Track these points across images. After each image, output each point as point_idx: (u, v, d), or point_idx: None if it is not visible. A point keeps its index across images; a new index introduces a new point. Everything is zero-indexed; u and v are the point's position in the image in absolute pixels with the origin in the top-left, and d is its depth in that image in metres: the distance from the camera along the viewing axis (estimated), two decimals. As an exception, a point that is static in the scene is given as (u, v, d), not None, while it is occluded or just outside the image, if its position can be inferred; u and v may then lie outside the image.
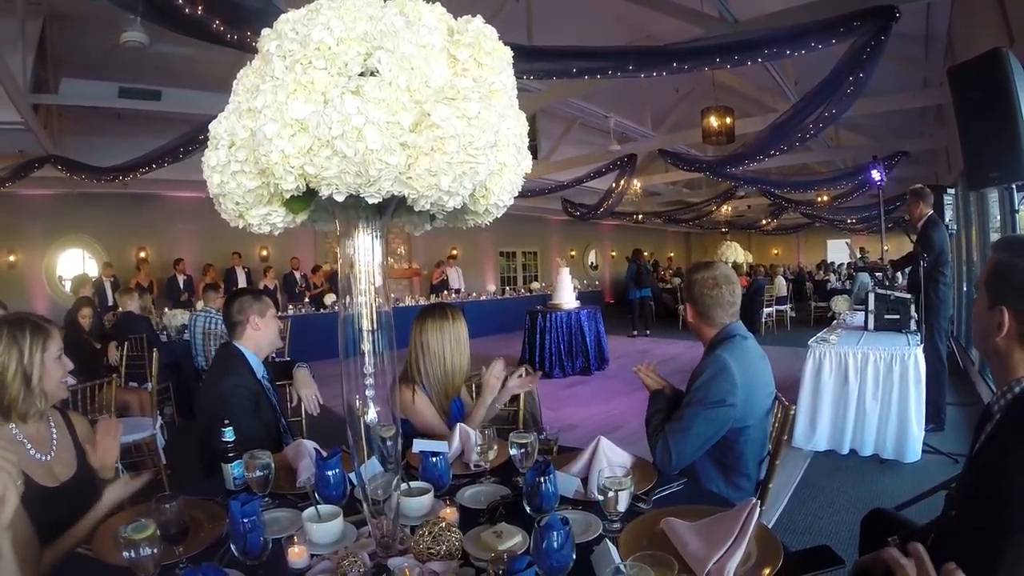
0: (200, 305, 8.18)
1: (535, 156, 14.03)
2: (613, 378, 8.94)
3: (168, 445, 5.04)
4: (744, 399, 2.33)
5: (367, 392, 1.50)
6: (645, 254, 15.51)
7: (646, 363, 2.78)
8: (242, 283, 12.73)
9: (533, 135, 14.04)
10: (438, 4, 1.27)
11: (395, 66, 1.09)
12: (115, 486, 1.99)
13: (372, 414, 1.51)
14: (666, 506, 1.87)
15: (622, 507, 1.71)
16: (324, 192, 1.12)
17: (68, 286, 11.88)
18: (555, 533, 1.42)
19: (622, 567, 1.17)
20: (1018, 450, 1.26)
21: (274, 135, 1.06)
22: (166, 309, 9.63)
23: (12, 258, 11.96)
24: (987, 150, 3.68)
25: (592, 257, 25.19)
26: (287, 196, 1.18)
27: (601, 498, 1.71)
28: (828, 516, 4.02)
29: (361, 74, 1.10)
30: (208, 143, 1.26)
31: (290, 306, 12.04)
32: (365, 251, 1.41)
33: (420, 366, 2.84)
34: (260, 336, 2.88)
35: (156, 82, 8.97)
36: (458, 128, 1.11)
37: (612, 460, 2.05)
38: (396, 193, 1.15)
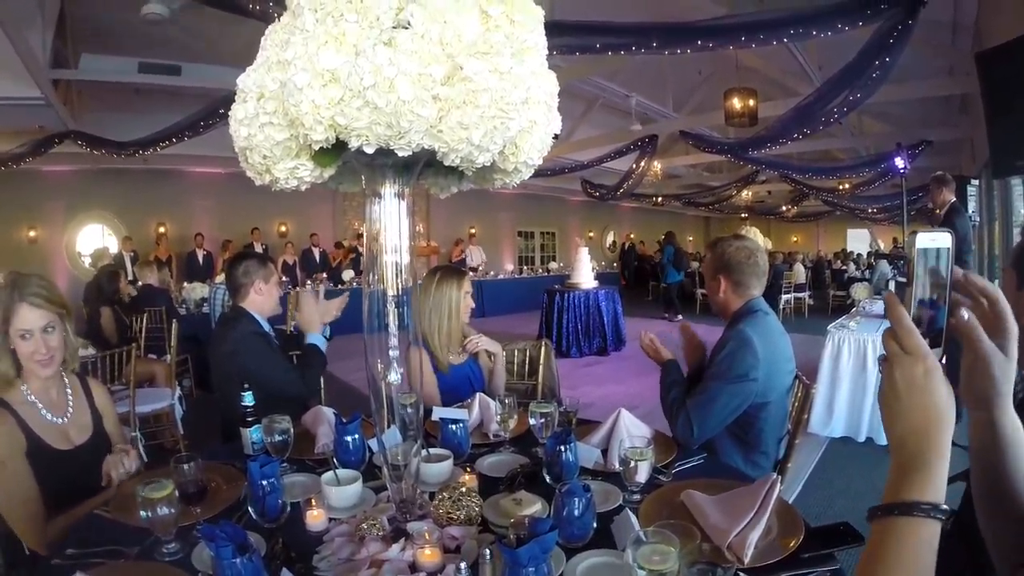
0: (220, 279, 8.23)
1: (555, 136, 14.02)
2: (630, 359, 8.90)
3: (186, 416, 5.11)
4: (766, 374, 2.31)
5: (390, 352, 1.49)
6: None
7: (647, 336, 2.75)
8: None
9: (554, 115, 14.01)
10: None
11: (428, 19, 1.07)
12: (110, 459, 1.97)
13: (394, 375, 1.51)
14: (686, 479, 1.86)
15: (642, 478, 1.70)
16: (354, 144, 1.11)
17: (87, 261, 12.01)
18: (576, 500, 1.42)
19: (643, 535, 1.16)
20: None
21: (304, 85, 1.05)
22: (185, 283, 9.71)
23: (33, 234, 12.14)
24: (1013, 137, 3.60)
25: (610, 239, 25.07)
26: (316, 148, 1.17)
27: (622, 468, 1.71)
28: (842, 502, 4.00)
29: (394, 27, 1.09)
30: (236, 97, 1.25)
31: (308, 282, 12.04)
32: (391, 211, 1.40)
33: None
34: (263, 300, 2.90)
35: (175, 57, 8.97)
36: (491, 82, 1.10)
37: (633, 432, 2.04)
38: (426, 146, 1.13)
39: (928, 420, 0.78)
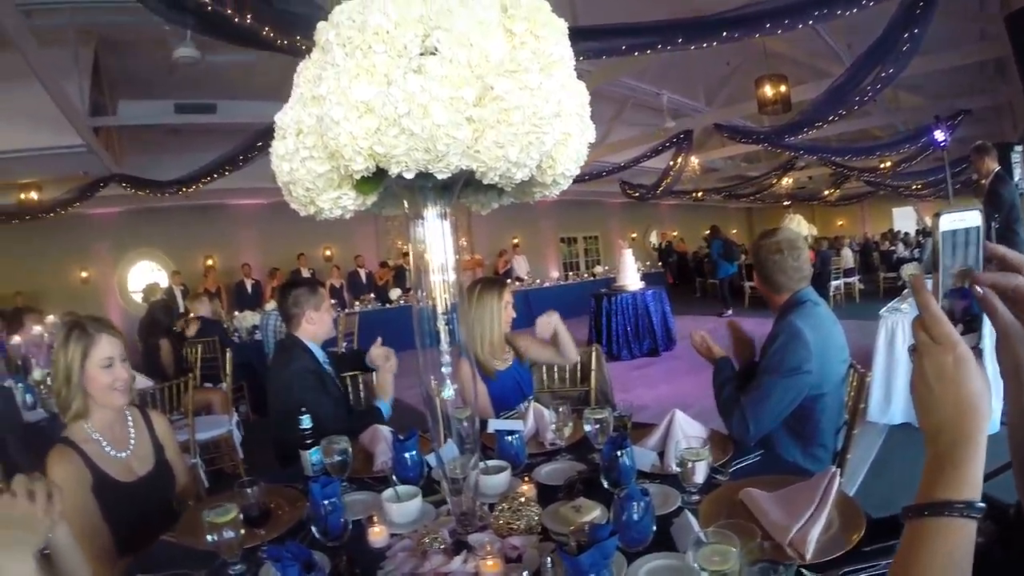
0: (270, 306, 8.41)
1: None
2: (681, 358, 8.80)
3: (243, 440, 5.23)
4: (819, 366, 2.28)
5: (443, 369, 1.52)
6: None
7: (698, 334, 2.74)
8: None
9: (586, 118, 13.97)
10: None
11: (454, 43, 1.10)
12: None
13: (449, 391, 1.53)
14: (744, 478, 1.85)
15: (700, 478, 1.70)
16: (394, 170, 1.14)
17: (139, 297, 12.39)
18: (635, 504, 1.42)
19: (703, 536, 1.16)
20: None
21: (341, 118, 1.08)
22: (236, 312, 9.95)
23: (84, 274, 12.60)
24: None
25: (653, 238, 24.89)
26: (357, 177, 1.21)
27: (679, 469, 1.71)
28: (905, 491, 3.88)
29: (421, 55, 1.12)
30: (275, 134, 1.30)
31: (356, 303, 12.16)
32: (435, 231, 1.44)
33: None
34: (315, 329, 2.96)
35: (210, 95, 9.28)
36: (522, 99, 1.12)
37: (688, 432, 2.03)
38: (464, 167, 1.16)
39: (960, 412, 0.76)
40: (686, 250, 22.99)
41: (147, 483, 2.14)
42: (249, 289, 12.73)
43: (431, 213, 1.40)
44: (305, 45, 4.57)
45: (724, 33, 5.65)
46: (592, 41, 5.55)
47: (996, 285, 0.79)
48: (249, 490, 1.71)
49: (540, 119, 1.15)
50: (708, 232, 14.14)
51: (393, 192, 1.48)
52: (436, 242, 1.45)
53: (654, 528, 1.47)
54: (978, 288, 0.79)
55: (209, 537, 1.48)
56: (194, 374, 5.73)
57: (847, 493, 1.69)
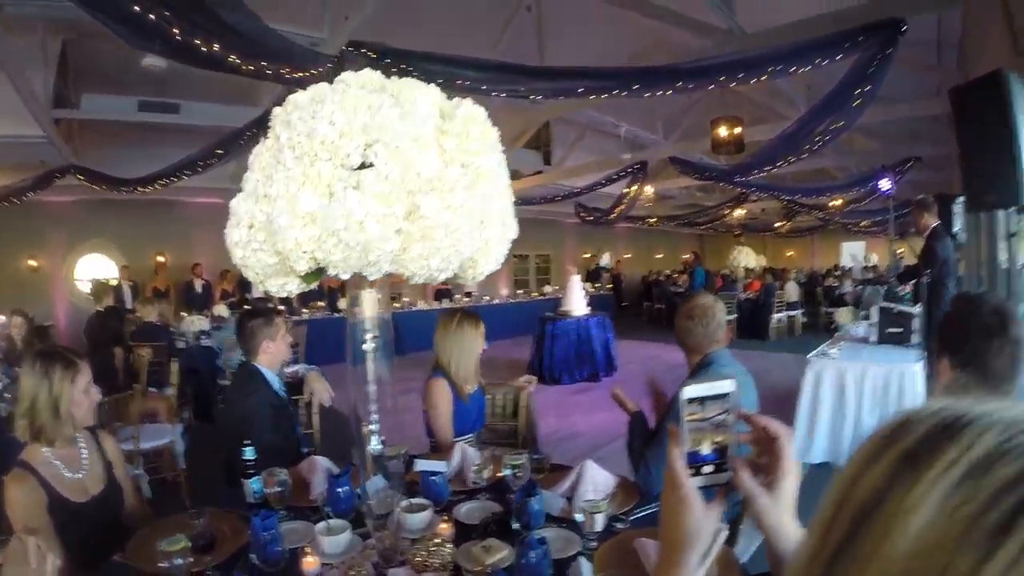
0: (218, 309, 8.39)
1: (548, 162, 14.22)
2: (620, 384, 8.94)
3: (187, 449, 5.25)
4: None
5: (371, 427, 1.69)
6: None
7: (614, 389, 3.00)
8: (258, 290, 12.85)
9: (547, 142, 14.21)
10: (432, 87, 1.44)
11: (390, 159, 1.27)
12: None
13: (376, 444, 1.70)
14: (644, 526, 2.05)
15: (598, 527, 1.88)
16: (332, 272, 1.32)
17: (86, 288, 12.16)
18: (532, 552, 1.61)
19: None
20: None
21: (287, 226, 1.25)
22: (184, 315, 9.86)
23: (34, 263, 12.31)
24: (985, 172, 3.66)
25: (606, 260, 25.15)
26: (301, 273, 1.38)
27: (581, 518, 1.90)
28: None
29: (362, 164, 1.29)
30: (230, 220, 1.45)
31: (304, 310, 12.09)
32: (369, 298, 1.60)
33: (442, 362, 3.29)
34: (271, 357, 3.13)
35: (175, 95, 9.28)
36: (444, 218, 1.30)
37: (596, 482, 2.23)
38: (393, 271, 1.34)
39: (676, 540, 0.90)
40: (620, 272, 23.22)
41: (99, 503, 2.25)
42: (199, 290, 12.56)
43: (367, 291, 1.56)
44: (270, 70, 4.68)
45: (679, 83, 5.88)
46: (551, 82, 5.74)
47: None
48: (198, 520, 1.88)
49: (461, 234, 1.32)
50: (690, 257, 14.13)
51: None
52: (370, 305, 1.61)
53: (551, 572, 1.66)
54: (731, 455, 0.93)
55: (161, 564, 1.64)
56: (141, 382, 5.75)
57: (729, 548, 1.90)
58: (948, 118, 10.40)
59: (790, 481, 0.94)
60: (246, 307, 8.60)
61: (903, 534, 0.40)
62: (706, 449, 0.93)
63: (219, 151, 7.85)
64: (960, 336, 1.42)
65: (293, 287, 1.47)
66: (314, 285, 1.51)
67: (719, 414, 0.92)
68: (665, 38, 8.26)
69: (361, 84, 1.40)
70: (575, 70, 5.70)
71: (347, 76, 1.42)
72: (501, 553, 1.82)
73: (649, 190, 14.07)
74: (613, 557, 1.82)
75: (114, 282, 11.79)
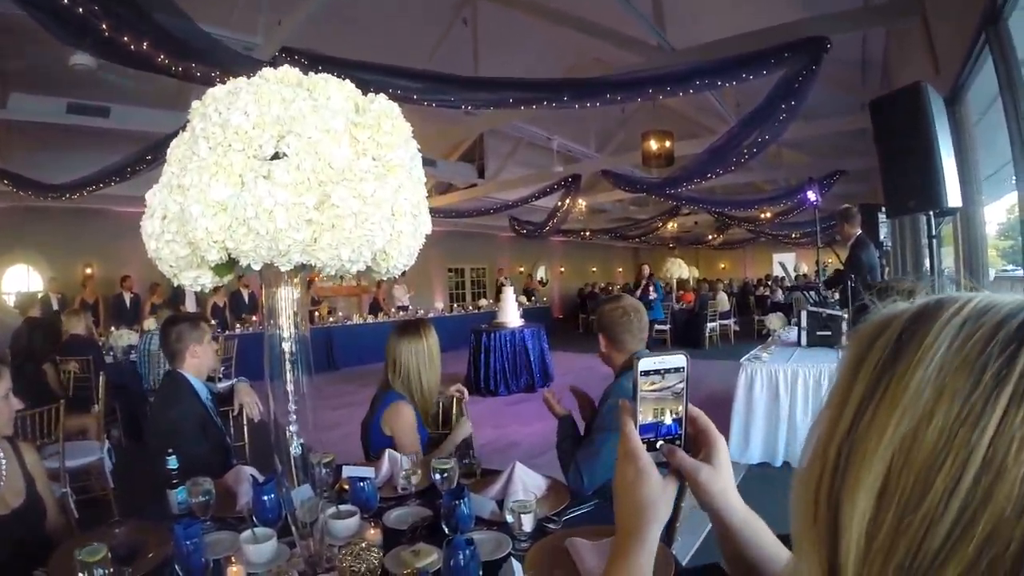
0: (150, 325, 8.07)
1: (482, 175, 14.27)
2: (557, 394, 9.03)
3: (116, 467, 5.07)
4: None
5: (291, 428, 1.64)
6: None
7: (550, 391, 2.99)
8: (190, 302, 12.52)
9: (481, 154, 14.20)
10: (347, 82, 1.44)
11: (302, 150, 1.26)
12: None
13: (296, 447, 1.66)
14: (576, 526, 2.05)
15: (528, 528, 1.88)
16: (243, 262, 1.29)
17: (12, 300, 11.61)
18: (460, 553, 1.59)
19: None
20: None
21: (199, 215, 1.22)
22: (112, 329, 9.51)
23: (-45, 273, 11.67)
24: (905, 179, 3.81)
25: (541, 273, 25.35)
26: (212, 265, 1.34)
27: (511, 519, 1.88)
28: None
29: (275, 155, 1.27)
30: (145, 212, 1.41)
31: (237, 325, 11.87)
32: (286, 295, 1.56)
33: (400, 382, 3.02)
34: (199, 362, 3.00)
35: (105, 98, 8.92)
36: (354, 207, 1.28)
37: (527, 483, 2.23)
38: (304, 262, 1.31)
39: (633, 515, 0.92)
40: (534, 286, 23.29)
41: (19, 516, 2.14)
42: (128, 303, 12.17)
43: (283, 287, 1.53)
44: (200, 72, 4.59)
45: (608, 95, 5.99)
46: (483, 92, 5.77)
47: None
48: (118, 530, 1.78)
49: (372, 224, 1.31)
50: (645, 268, 13.95)
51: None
52: (287, 304, 1.57)
53: (480, 573, 1.64)
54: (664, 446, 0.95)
55: (80, 575, 1.55)
56: (67, 398, 5.52)
57: (664, 544, 1.91)
58: (872, 132, 10.95)
59: (723, 449, 0.96)
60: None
61: (926, 368, 0.47)
62: (665, 420, 0.94)
63: (148, 157, 7.63)
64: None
65: (207, 280, 1.43)
66: (227, 279, 1.47)
67: (672, 387, 0.93)
68: (599, 55, 8.41)
69: (279, 79, 1.39)
70: (507, 81, 5.75)
71: (266, 71, 1.41)
72: (430, 557, 1.79)
73: (582, 203, 14.23)
74: (544, 557, 1.81)
75: (41, 294, 11.29)
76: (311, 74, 1.40)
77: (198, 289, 1.46)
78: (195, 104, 1.41)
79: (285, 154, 1.26)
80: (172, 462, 2.24)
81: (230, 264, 1.35)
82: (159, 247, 1.36)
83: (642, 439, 0.93)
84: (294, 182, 1.24)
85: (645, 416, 0.93)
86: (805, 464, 0.55)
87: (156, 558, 1.88)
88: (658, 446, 0.94)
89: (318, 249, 1.27)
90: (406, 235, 1.46)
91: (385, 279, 1.63)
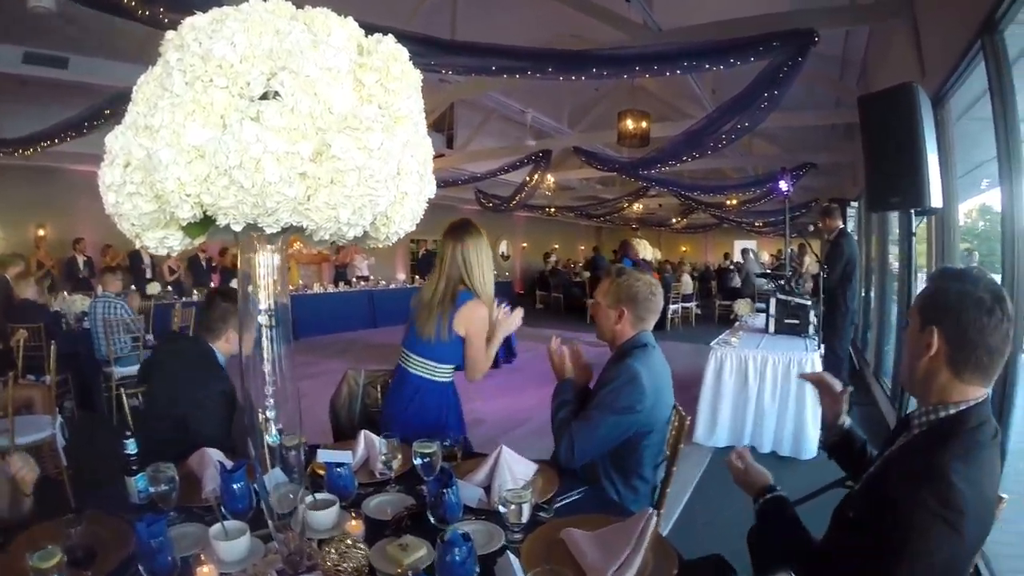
0: (100, 290, 7.67)
1: (450, 146, 14.00)
2: (521, 371, 8.83)
3: (70, 442, 4.76)
4: (651, 406, 2.41)
5: (268, 413, 1.47)
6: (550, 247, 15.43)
7: (567, 343, 2.81)
8: (147, 266, 12.13)
9: (451, 124, 13.97)
10: (350, 19, 1.24)
11: (298, 89, 1.07)
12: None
13: (274, 433, 1.49)
14: (567, 514, 1.94)
15: (523, 519, 1.75)
16: (221, 221, 1.10)
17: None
18: (457, 549, 1.45)
19: None
20: (923, 478, 1.33)
21: (170, 161, 1.03)
22: (65, 294, 9.09)
23: None
24: (890, 176, 3.81)
25: (504, 248, 25.25)
26: (184, 223, 1.15)
27: (503, 510, 1.75)
28: (728, 508, 4.20)
29: (264, 95, 1.08)
30: (104, 158, 1.21)
31: (195, 291, 11.45)
32: (265, 262, 1.37)
33: (471, 280, 2.89)
34: (230, 348, 2.86)
35: (64, 48, 8.42)
36: (358, 160, 1.11)
37: (515, 470, 2.10)
38: (295, 224, 1.13)
39: None
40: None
41: None
42: (81, 266, 11.66)
43: (262, 253, 1.34)
44: (168, 19, 4.28)
45: (594, 69, 5.82)
46: (465, 57, 5.55)
47: None
48: (73, 530, 1.58)
49: (376, 181, 1.14)
50: (618, 248, 13.63)
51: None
52: (266, 270, 1.38)
53: (477, 570, 1.51)
54: None
55: None
56: (15, 365, 5.21)
57: (662, 533, 1.81)
58: (845, 129, 11.21)
59: None
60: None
61: None
62: None
63: (107, 111, 7.22)
64: (957, 310, 1.44)
65: (175, 243, 1.23)
66: (199, 240, 1.27)
67: None
68: (581, 31, 8.23)
69: (270, 10, 1.17)
70: (492, 47, 5.54)
71: (254, 2, 1.18)
72: (420, 552, 1.66)
73: (550, 179, 14.09)
74: (541, 550, 1.70)
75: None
76: (307, 7, 1.20)
77: (165, 252, 1.26)
78: (169, 35, 1.19)
79: (277, 94, 1.07)
80: (131, 446, 2.05)
81: (205, 223, 1.16)
82: (120, 201, 1.15)
83: None
84: (288, 127, 1.05)
85: None
86: None
87: (117, 558, 1.69)
88: None
89: (312, 208, 1.08)
90: (411, 197, 1.28)
91: (382, 245, 1.43)
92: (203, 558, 1.56)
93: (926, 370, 1.50)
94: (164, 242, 1.22)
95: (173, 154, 1.03)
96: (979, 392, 1.45)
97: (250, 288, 1.39)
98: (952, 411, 1.45)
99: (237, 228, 1.13)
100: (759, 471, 1.92)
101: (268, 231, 1.13)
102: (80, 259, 11.72)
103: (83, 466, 4.55)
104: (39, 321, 6.21)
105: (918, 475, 1.34)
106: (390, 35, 1.26)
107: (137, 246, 1.27)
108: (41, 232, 12.20)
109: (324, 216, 1.11)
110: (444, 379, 2.99)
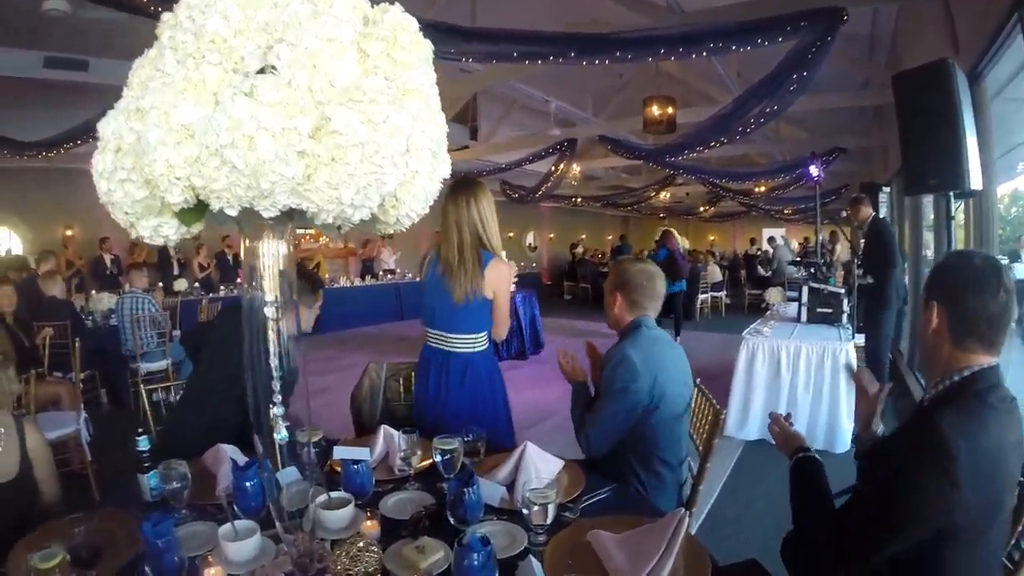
0: (127, 287, 7.71)
1: (474, 137, 13.92)
2: (548, 363, 8.77)
3: (96, 437, 4.78)
4: (650, 382, 2.40)
5: (274, 411, 1.39)
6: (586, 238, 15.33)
7: (566, 355, 2.80)
8: (175, 260, 12.23)
9: (473, 116, 13.83)
10: None
11: (296, 62, 0.98)
12: None
13: (283, 431, 1.42)
14: (594, 515, 1.85)
15: (547, 520, 1.66)
16: (214, 205, 1.02)
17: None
18: (475, 554, 1.38)
19: None
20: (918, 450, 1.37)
21: (158, 142, 0.95)
22: (93, 292, 9.19)
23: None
24: (927, 157, 3.72)
25: (530, 238, 25.11)
26: (176, 209, 1.08)
27: (527, 511, 1.67)
28: (761, 504, 4.11)
29: (261, 70, 1.00)
30: (97, 145, 1.14)
31: (221, 287, 11.53)
32: (270, 251, 1.29)
33: (488, 236, 2.87)
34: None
35: (83, 51, 8.50)
36: (361, 135, 1.02)
37: (539, 468, 2.01)
38: (294, 206, 1.05)
39: None
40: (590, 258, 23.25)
41: (5, 491, 2.07)
42: (108, 265, 11.71)
43: (265, 242, 1.26)
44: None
45: (618, 53, 5.68)
46: (485, 44, 5.44)
47: None
48: (78, 529, 1.54)
49: (382, 158, 1.05)
50: (658, 238, 12.83)
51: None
52: (271, 260, 1.30)
53: (496, 574, 1.43)
54: None
55: None
56: (41, 363, 5.26)
57: (693, 534, 1.71)
58: (874, 111, 10.86)
59: None
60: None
61: None
62: None
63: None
64: (953, 283, 1.51)
65: (170, 231, 1.15)
66: (196, 228, 1.19)
67: None
68: (603, 15, 8.08)
69: None
70: (512, 32, 5.43)
71: None
72: (437, 555, 1.57)
73: (576, 169, 13.95)
74: (565, 555, 1.61)
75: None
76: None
77: (160, 242, 1.19)
78: (165, 16, 1.13)
79: (274, 68, 0.99)
80: (143, 443, 2.03)
81: (199, 209, 1.08)
82: (111, 188, 1.08)
83: None
84: (284, 101, 0.97)
85: None
86: None
87: (123, 557, 1.65)
88: None
89: (312, 189, 1.00)
90: (422, 177, 1.19)
91: (394, 231, 1.34)
92: (211, 559, 1.51)
93: (931, 344, 1.55)
94: (159, 231, 1.14)
95: (161, 134, 0.95)
96: (983, 359, 1.49)
97: (255, 279, 1.31)
98: (956, 378, 1.49)
99: (232, 212, 1.04)
100: (795, 433, 1.96)
101: (266, 215, 1.04)
102: (107, 258, 11.79)
103: (108, 461, 4.58)
104: (65, 319, 6.24)
105: (914, 431, 1.45)
106: (397, 3, 1.17)
107: (133, 236, 1.19)
108: (69, 232, 12.33)
109: (325, 197, 1.02)
110: (486, 348, 2.96)
